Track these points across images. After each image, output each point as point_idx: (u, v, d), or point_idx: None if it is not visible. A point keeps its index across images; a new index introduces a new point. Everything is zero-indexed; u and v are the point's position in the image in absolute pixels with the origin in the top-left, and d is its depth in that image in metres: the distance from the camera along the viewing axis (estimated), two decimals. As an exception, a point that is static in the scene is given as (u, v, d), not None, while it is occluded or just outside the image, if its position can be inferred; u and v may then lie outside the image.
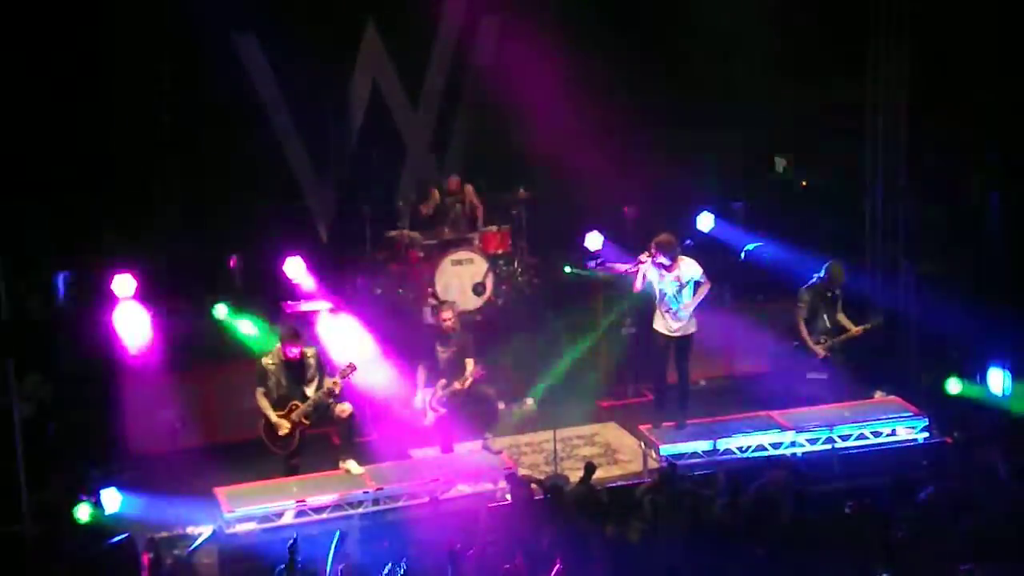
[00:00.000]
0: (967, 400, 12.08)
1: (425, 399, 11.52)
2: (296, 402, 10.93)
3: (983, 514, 8.93)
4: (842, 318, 12.21)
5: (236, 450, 11.46)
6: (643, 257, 11.22)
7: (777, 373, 12.88)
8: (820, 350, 12.07)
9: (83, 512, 10.01)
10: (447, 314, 11.55)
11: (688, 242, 12.32)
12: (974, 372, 12.37)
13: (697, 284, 11.29)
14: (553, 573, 8.41)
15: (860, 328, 12.16)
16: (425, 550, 8.92)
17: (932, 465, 10.70)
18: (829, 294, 12.15)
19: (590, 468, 10.27)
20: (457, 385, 11.38)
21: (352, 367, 11.07)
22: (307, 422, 10.94)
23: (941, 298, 12.70)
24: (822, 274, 12.15)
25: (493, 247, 13.99)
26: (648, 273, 11.27)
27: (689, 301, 11.30)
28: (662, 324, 11.48)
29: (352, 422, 11.16)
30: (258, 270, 13.29)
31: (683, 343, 11.53)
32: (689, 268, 11.29)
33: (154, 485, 10.77)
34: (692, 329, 11.50)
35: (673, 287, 11.28)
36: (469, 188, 14.14)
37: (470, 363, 11.47)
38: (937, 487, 9.18)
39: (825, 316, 12.14)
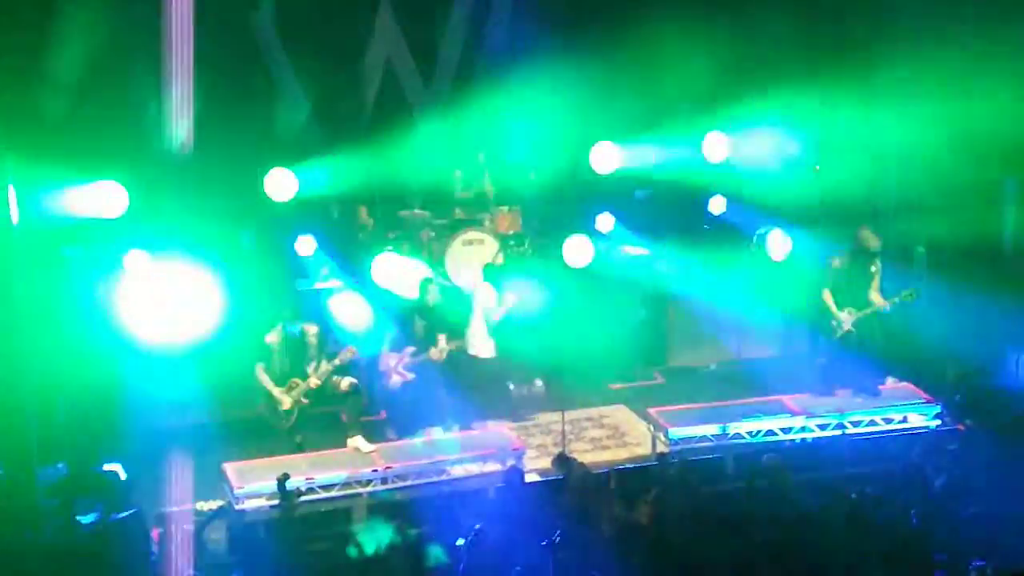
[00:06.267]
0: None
1: (389, 363, 11.51)
2: (296, 379, 11.00)
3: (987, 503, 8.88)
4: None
5: (245, 426, 11.48)
6: None
7: (787, 358, 12.85)
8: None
9: None
10: (433, 288, 11.71)
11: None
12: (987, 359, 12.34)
13: None
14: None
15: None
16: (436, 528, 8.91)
17: (945, 453, 10.67)
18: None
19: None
20: (431, 354, 11.40)
21: (351, 352, 11.11)
22: (305, 401, 10.99)
23: (954, 284, 12.65)
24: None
25: (504, 228, 13.94)
26: None
27: None
28: None
29: (358, 399, 11.20)
30: (270, 248, 13.26)
31: None
32: None
33: (164, 460, 10.79)
34: None
35: None
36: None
37: (442, 338, 11.48)
38: (949, 475, 9.14)
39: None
